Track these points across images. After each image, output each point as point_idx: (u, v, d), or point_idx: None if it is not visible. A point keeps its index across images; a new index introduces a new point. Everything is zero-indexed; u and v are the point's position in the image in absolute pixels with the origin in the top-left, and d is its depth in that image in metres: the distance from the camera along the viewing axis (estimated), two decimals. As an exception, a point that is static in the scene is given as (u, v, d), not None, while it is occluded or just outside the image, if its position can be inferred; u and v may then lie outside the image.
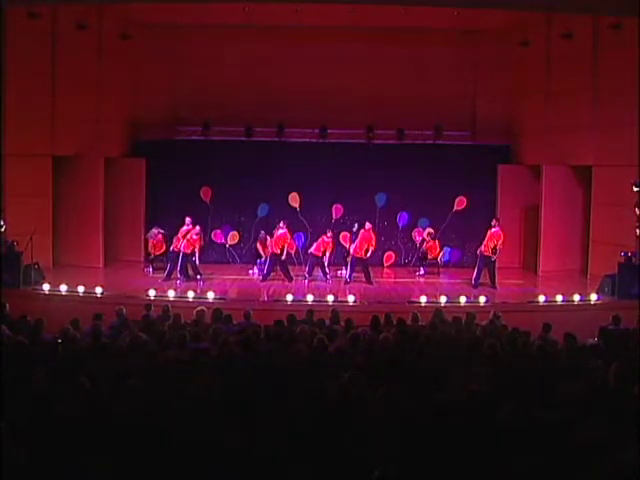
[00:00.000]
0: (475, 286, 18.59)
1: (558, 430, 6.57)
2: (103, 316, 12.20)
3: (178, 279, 18.79)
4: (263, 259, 20.06)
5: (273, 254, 19.16)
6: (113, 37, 20.72)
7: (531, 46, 20.37)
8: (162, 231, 20.28)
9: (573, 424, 6.67)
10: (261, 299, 17.24)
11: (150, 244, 20.42)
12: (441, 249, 20.98)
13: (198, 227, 19.25)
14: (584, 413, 7.00)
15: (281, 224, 19.37)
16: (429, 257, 20.79)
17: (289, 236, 19.44)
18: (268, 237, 19.89)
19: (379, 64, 22.18)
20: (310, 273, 19.57)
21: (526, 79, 21.81)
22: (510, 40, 21.16)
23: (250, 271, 20.69)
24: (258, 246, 20.36)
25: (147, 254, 20.91)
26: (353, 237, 19.85)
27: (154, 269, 20.23)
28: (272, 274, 19.38)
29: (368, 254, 19.17)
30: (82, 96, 20.62)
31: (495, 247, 18.69)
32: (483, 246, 18.79)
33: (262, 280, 19.14)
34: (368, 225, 19.28)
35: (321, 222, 21.31)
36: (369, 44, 22.12)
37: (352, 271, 19.26)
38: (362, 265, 19.23)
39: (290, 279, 19.15)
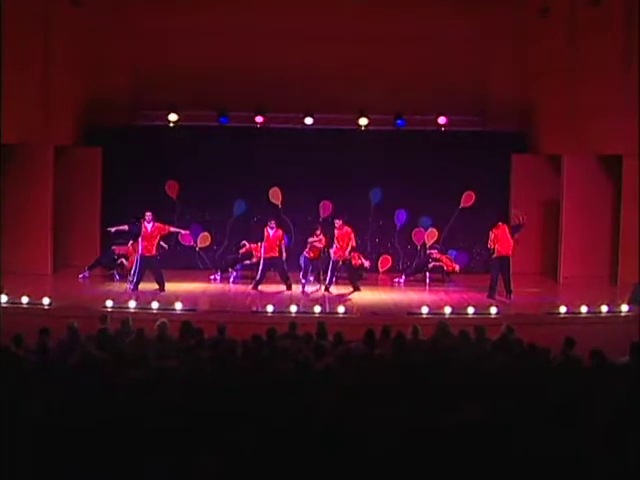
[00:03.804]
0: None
1: (582, 463, 6.57)
2: (51, 331, 12.15)
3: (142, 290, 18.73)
4: (254, 261, 20.09)
5: (267, 258, 19.21)
6: (62, 3, 20.53)
7: (552, 14, 20.31)
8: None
9: (600, 457, 6.66)
10: (239, 310, 17.24)
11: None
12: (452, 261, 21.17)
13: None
14: (613, 444, 6.99)
15: (272, 224, 19.47)
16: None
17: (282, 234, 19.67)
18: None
19: (374, 38, 21.83)
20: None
21: (545, 53, 21.72)
22: (527, 7, 21.11)
23: (212, 277, 20.64)
24: (251, 247, 20.26)
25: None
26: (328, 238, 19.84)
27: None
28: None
29: (350, 254, 19.39)
30: (27, 75, 20.33)
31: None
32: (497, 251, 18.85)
33: (253, 288, 19.22)
34: (338, 222, 19.40)
35: (306, 222, 21.27)
36: (362, 14, 21.77)
37: (332, 276, 19.31)
38: (345, 267, 19.33)
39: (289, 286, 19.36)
